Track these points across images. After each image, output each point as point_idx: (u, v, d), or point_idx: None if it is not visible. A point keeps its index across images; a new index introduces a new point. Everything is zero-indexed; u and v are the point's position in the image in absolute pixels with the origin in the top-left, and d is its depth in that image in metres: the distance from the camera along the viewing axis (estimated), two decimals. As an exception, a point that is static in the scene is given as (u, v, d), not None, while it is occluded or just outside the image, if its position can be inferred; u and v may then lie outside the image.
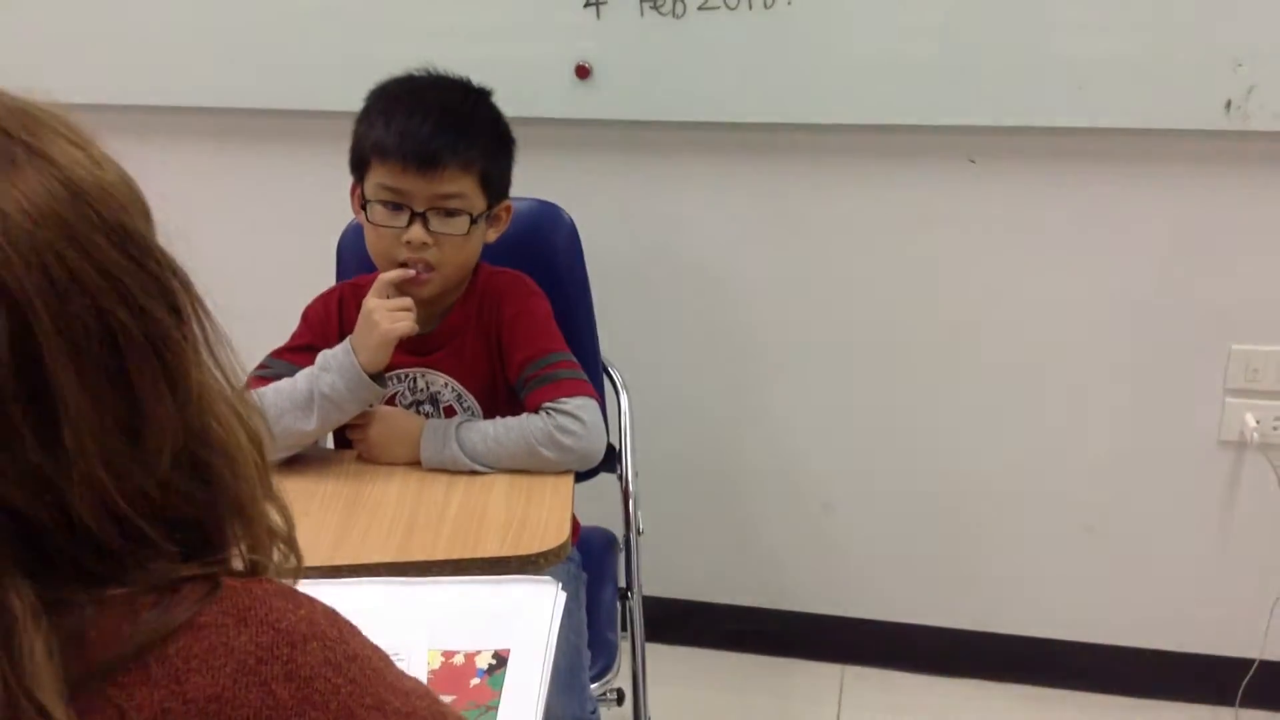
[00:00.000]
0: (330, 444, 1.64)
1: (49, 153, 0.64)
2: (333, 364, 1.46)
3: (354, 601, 1.19)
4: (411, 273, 1.48)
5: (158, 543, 0.66)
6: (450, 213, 1.48)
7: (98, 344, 0.63)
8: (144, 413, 0.65)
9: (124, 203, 0.66)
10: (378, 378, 1.47)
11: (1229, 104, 1.76)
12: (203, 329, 0.69)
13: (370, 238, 1.52)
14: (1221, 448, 1.99)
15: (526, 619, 1.18)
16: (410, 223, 1.47)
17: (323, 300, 1.61)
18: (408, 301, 1.47)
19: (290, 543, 0.76)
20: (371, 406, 1.53)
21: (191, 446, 0.68)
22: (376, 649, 0.72)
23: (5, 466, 0.61)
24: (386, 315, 1.45)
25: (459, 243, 1.49)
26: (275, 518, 0.75)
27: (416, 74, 1.57)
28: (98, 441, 0.63)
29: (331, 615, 0.70)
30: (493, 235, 1.58)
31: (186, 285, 0.69)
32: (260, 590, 0.68)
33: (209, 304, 0.70)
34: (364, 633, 0.72)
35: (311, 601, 0.70)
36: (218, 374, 0.71)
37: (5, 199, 0.61)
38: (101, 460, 0.63)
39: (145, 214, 0.69)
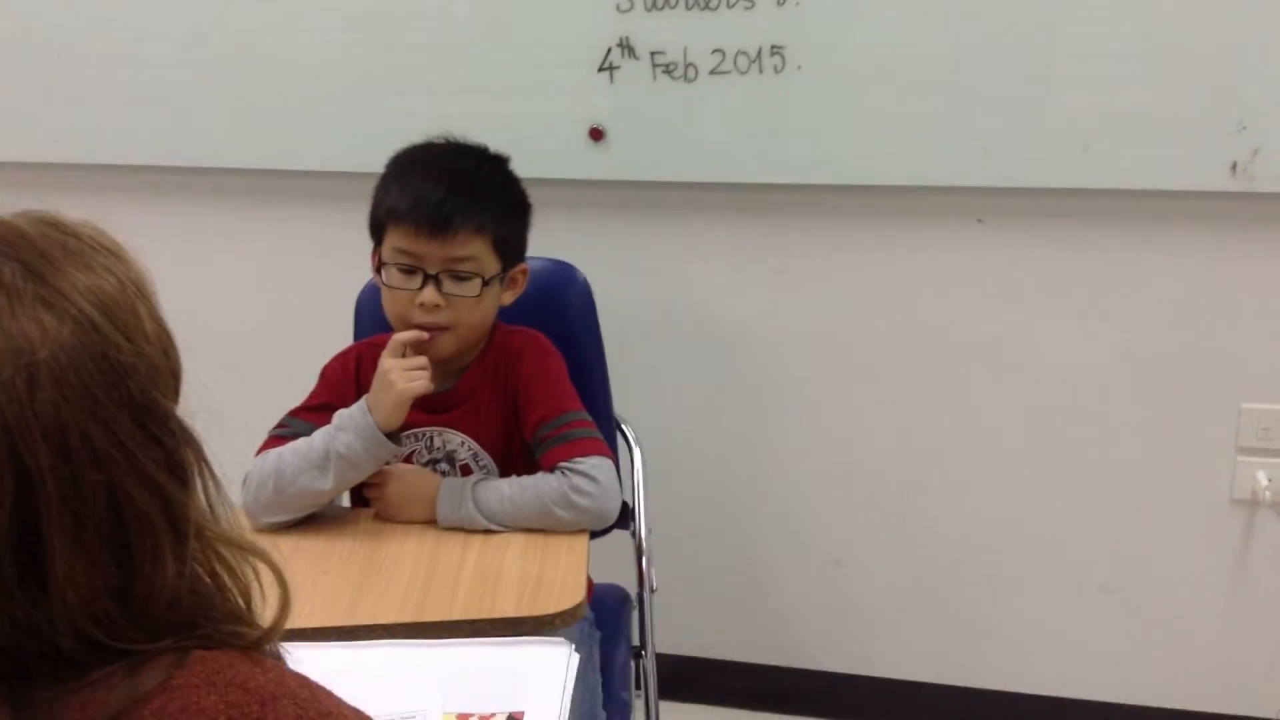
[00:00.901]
0: (347, 502, 1.66)
1: (94, 315, 0.65)
2: (349, 424, 1.48)
3: (369, 663, 1.21)
4: (424, 335, 1.50)
5: (135, 651, 0.67)
6: (463, 275, 1.51)
7: (102, 516, 0.64)
8: (138, 578, 0.66)
9: (157, 376, 0.68)
10: (393, 437, 1.48)
11: (1234, 165, 1.78)
12: (206, 491, 0.71)
13: (386, 300, 1.55)
14: (1234, 506, 1.99)
15: (540, 681, 1.18)
16: (423, 285, 1.50)
17: (341, 359, 1.63)
18: (423, 360, 1.49)
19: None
20: (388, 464, 1.55)
21: (185, 597, 0.69)
22: (355, 710, 0.72)
23: None
24: (402, 375, 1.47)
25: (471, 304, 1.52)
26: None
27: (434, 141, 1.61)
28: (84, 601, 0.64)
29: (301, 678, 0.72)
30: (508, 298, 1.60)
31: (198, 453, 0.71)
32: (227, 657, 0.69)
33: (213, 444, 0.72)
34: (345, 694, 0.73)
35: (279, 666, 0.72)
36: (221, 528, 0.72)
37: (42, 364, 0.62)
38: (86, 614, 0.64)
39: (175, 386, 0.71)
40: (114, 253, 0.69)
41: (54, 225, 0.69)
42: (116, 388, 0.65)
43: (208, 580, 0.71)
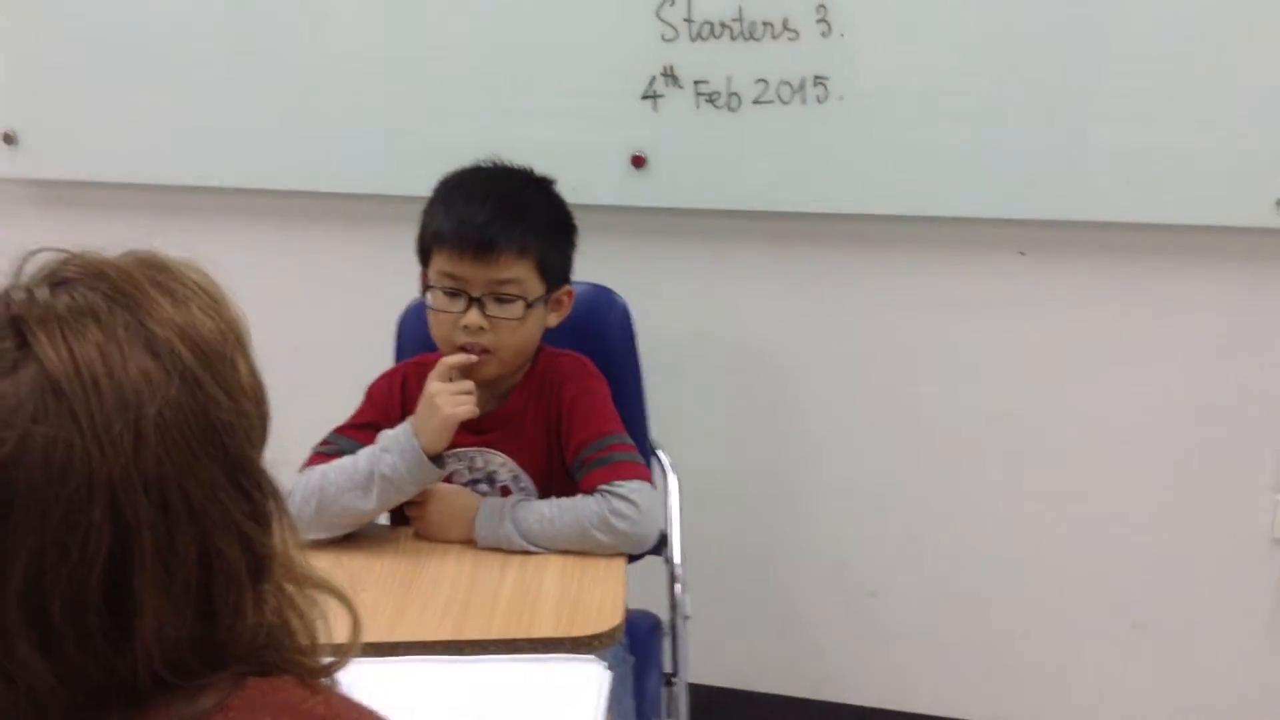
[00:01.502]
0: (387, 520, 1.66)
1: (196, 368, 0.66)
2: (394, 445, 1.48)
3: (406, 680, 1.21)
4: (471, 358, 1.50)
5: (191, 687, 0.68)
6: (506, 298, 1.52)
7: (191, 570, 0.65)
8: (219, 627, 0.68)
9: (251, 431, 0.69)
10: (437, 460, 1.49)
11: (1278, 202, 1.77)
12: (283, 536, 0.72)
13: (431, 322, 1.56)
14: (1273, 545, 1.97)
15: (576, 699, 1.18)
16: (468, 308, 1.51)
17: (387, 379, 1.64)
18: (469, 385, 1.50)
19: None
20: (430, 485, 1.56)
21: (261, 639, 0.71)
22: None
23: (74, 655, 0.63)
24: (449, 399, 1.47)
25: (514, 326, 1.52)
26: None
27: (481, 165, 1.62)
28: (165, 649, 0.65)
29: (350, 702, 0.73)
30: (554, 319, 1.61)
31: (280, 505, 0.72)
32: (280, 682, 0.70)
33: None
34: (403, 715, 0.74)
35: (330, 690, 0.73)
36: (292, 571, 0.74)
37: (148, 422, 0.63)
38: (169, 664, 0.66)
39: (265, 437, 0.72)
40: (214, 297, 0.71)
41: (158, 267, 0.70)
42: (214, 445, 0.66)
43: (277, 622, 0.73)
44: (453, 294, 1.52)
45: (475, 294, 1.51)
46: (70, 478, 0.61)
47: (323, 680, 0.75)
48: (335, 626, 0.78)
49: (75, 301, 0.65)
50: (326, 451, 1.54)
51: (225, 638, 0.68)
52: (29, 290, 0.66)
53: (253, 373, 0.71)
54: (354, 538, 1.52)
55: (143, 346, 0.65)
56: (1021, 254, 1.92)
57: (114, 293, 0.66)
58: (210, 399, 0.66)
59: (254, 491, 0.69)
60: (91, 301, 0.65)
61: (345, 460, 1.50)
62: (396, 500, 1.50)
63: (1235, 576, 2.00)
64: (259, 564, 0.69)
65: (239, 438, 0.68)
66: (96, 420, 0.62)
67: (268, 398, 0.72)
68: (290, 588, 0.73)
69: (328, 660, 0.75)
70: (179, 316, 0.67)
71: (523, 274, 1.52)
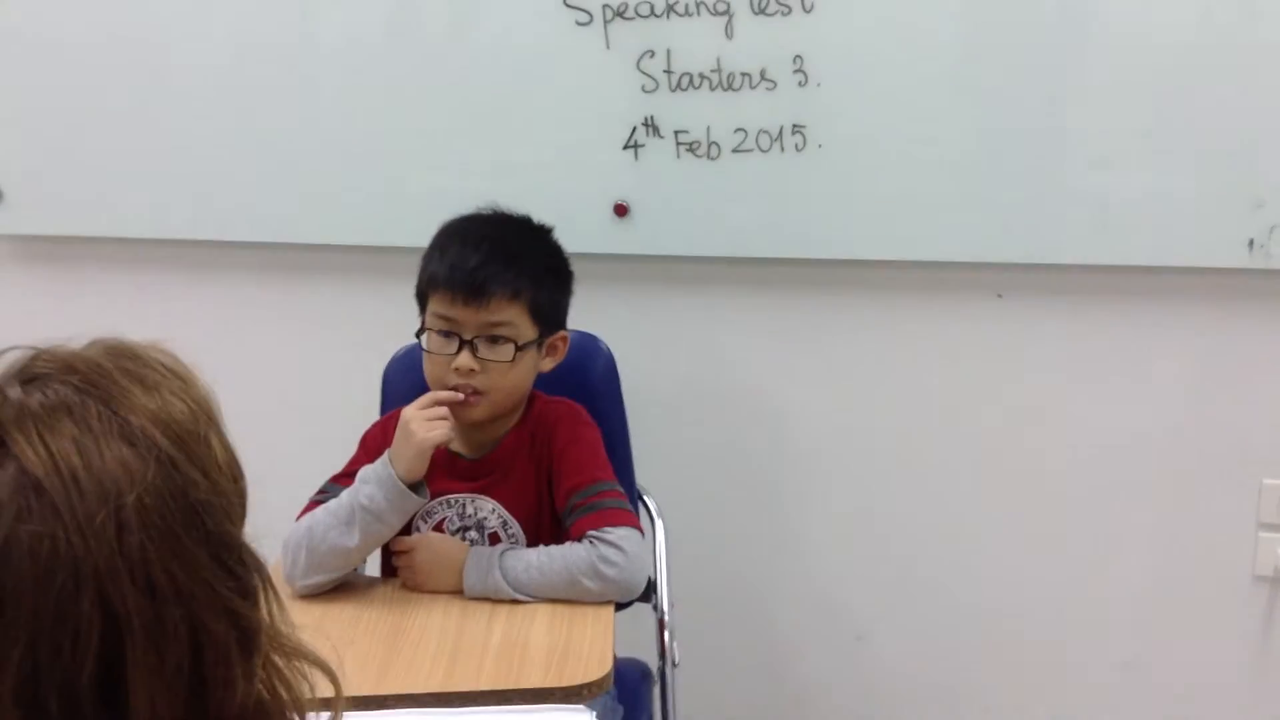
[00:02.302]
0: (377, 571, 1.66)
1: (171, 451, 0.67)
2: (371, 476, 1.49)
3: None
4: (459, 395, 1.51)
5: None
6: (497, 340, 1.53)
7: (183, 650, 0.66)
8: (211, 703, 0.68)
9: (230, 508, 0.70)
10: (417, 488, 1.49)
11: (1251, 242, 1.81)
12: (269, 608, 0.73)
13: (425, 364, 1.57)
14: (1256, 583, 1.99)
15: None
16: (460, 350, 1.52)
17: (381, 425, 1.65)
18: (444, 410, 1.50)
19: None
20: (418, 532, 1.56)
21: (253, 709, 0.71)
22: None
23: None
24: (423, 424, 1.48)
25: (504, 369, 1.53)
26: None
27: (480, 212, 1.64)
28: None
29: None
30: (548, 364, 1.62)
31: (265, 578, 0.73)
32: None
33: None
34: None
35: None
36: (279, 643, 0.74)
37: (129, 510, 0.64)
38: None
39: (243, 509, 0.73)
40: (183, 377, 0.72)
41: (126, 355, 0.71)
42: (196, 525, 0.67)
43: (266, 695, 0.73)
44: (446, 336, 1.54)
45: (467, 336, 1.52)
46: (58, 572, 0.62)
47: None
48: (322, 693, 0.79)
49: (48, 398, 0.65)
50: (320, 499, 1.54)
51: (216, 713, 0.68)
52: (0, 390, 0.67)
53: (226, 448, 0.72)
54: (341, 589, 1.52)
55: (118, 436, 0.65)
56: (999, 296, 1.95)
57: (85, 385, 0.67)
58: (188, 480, 0.67)
59: (238, 567, 0.70)
60: (64, 396, 0.66)
61: (331, 502, 1.51)
62: (380, 533, 1.50)
63: (1220, 615, 2.01)
64: (247, 638, 0.70)
65: (219, 516, 0.68)
66: (79, 513, 0.62)
67: (243, 473, 0.73)
68: (279, 659, 0.74)
69: None
70: (150, 402, 0.68)
71: (514, 317, 1.54)
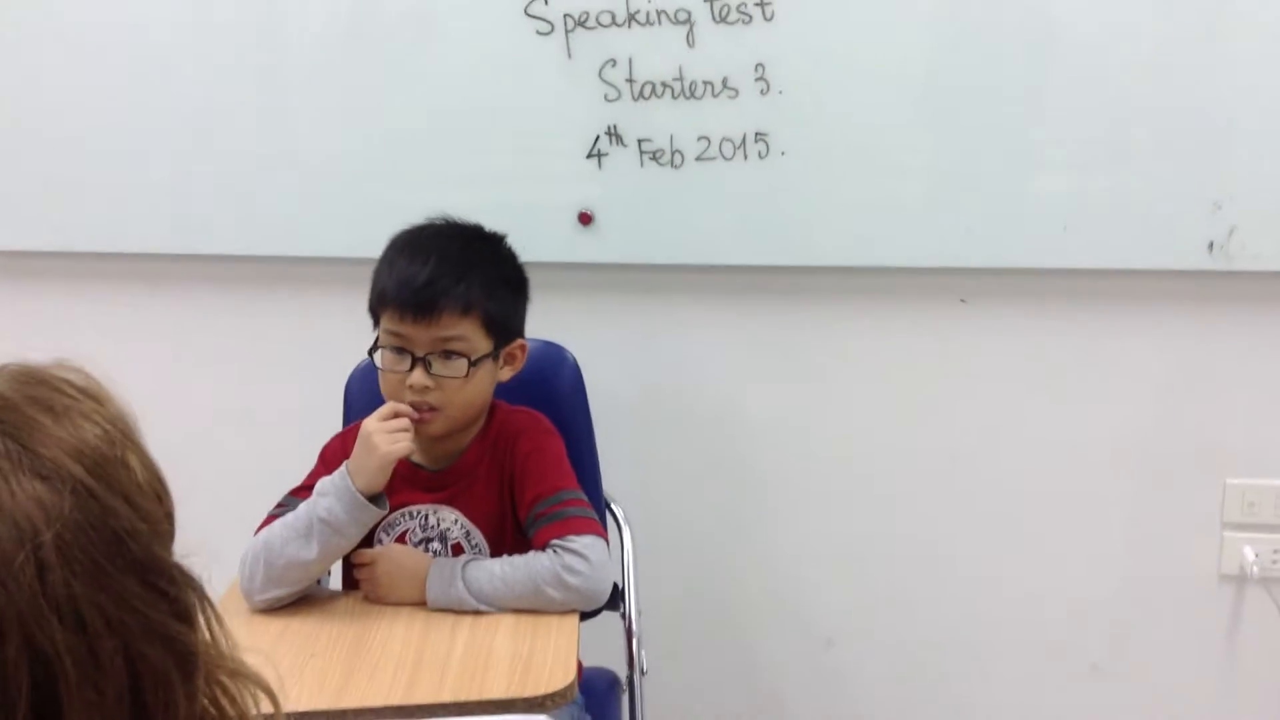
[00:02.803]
0: (339, 585, 1.65)
1: (88, 480, 0.64)
2: (329, 488, 1.48)
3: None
4: (413, 413, 1.50)
5: None
6: (451, 355, 1.52)
7: (120, 680, 0.64)
8: None
9: (156, 530, 0.68)
10: (377, 500, 1.48)
11: (1211, 245, 1.82)
12: (209, 624, 0.72)
13: (380, 381, 1.56)
14: (1222, 582, 2.00)
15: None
16: (413, 367, 1.51)
17: (340, 438, 1.63)
18: (405, 422, 1.49)
19: None
20: (381, 544, 1.55)
21: None
22: None
23: None
24: (385, 437, 1.47)
25: (459, 384, 1.52)
26: None
27: (430, 223, 1.62)
28: None
29: None
30: (507, 374, 1.61)
31: (200, 594, 0.71)
32: None
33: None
34: None
35: None
36: (227, 660, 0.73)
37: (47, 546, 0.61)
38: None
39: (172, 532, 0.71)
40: (95, 396, 0.70)
41: (31, 380, 0.68)
42: (120, 554, 0.65)
43: (213, 712, 0.72)
44: (399, 352, 1.52)
45: (419, 353, 1.51)
46: None
47: None
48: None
49: None
50: (279, 514, 1.52)
51: None
52: None
53: (148, 467, 0.70)
54: (302, 603, 1.51)
55: (29, 472, 0.63)
56: (963, 301, 1.96)
57: None
58: (108, 509, 0.65)
59: (170, 588, 0.68)
60: None
61: (289, 515, 1.50)
62: (339, 546, 1.49)
63: (1186, 614, 2.03)
64: (185, 661, 0.68)
65: (144, 540, 0.66)
66: None
67: (168, 489, 0.71)
68: (222, 676, 0.72)
69: None
70: (61, 430, 0.65)
71: (467, 331, 1.52)
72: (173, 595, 0.68)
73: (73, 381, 0.70)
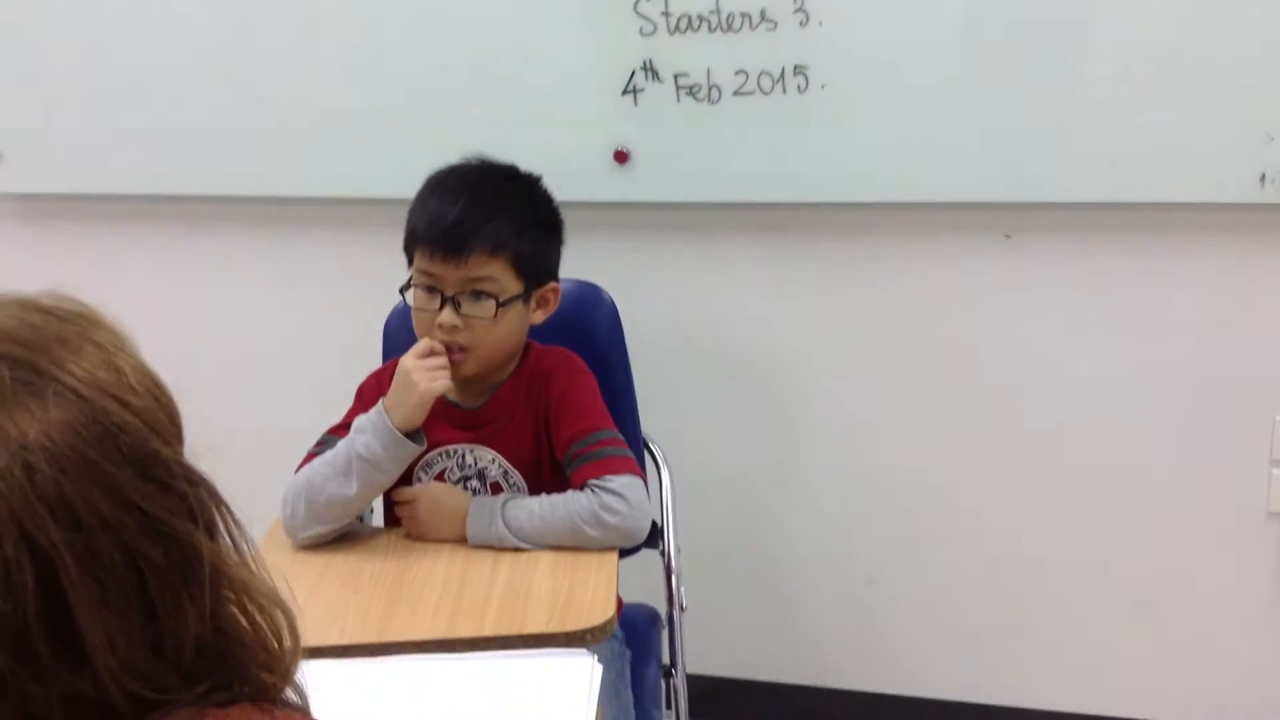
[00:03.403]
0: (380, 522, 1.67)
1: (77, 385, 0.66)
2: (367, 425, 1.49)
3: (396, 679, 1.22)
4: (442, 350, 1.50)
5: (162, 703, 0.68)
6: (480, 295, 1.51)
7: (122, 575, 0.65)
8: (166, 628, 0.68)
9: (153, 426, 0.69)
10: (414, 436, 1.49)
11: (1263, 177, 1.77)
12: (228, 529, 0.72)
13: (413, 319, 1.57)
14: (1270, 519, 1.97)
15: (565, 692, 1.18)
16: (442, 306, 1.51)
17: (375, 377, 1.64)
18: (443, 360, 1.49)
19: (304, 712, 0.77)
20: (420, 481, 1.57)
21: (213, 639, 0.71)
22: None
23: (35, 690, 0.64)
24: (424, 374, 1.47)
25: (488, 326, 1.52)
26: (290, 694, 0.76)
27: (464, 162, 1.61)
28: (121, 659, 0.66)
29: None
30: (540, 317, 1.60)
31: (211, 493, 0.71)
32: (238, 710, 0.70)
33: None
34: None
35: (288, 713, 0.73)
36: (243, 569, 0.73)
37: (34, 450, 0.63)
38: (125, 671, 0.66)
39: (174, 430, 0.72)
40: (84, 317, 0.70)
41: (19, 306, 0.70)
42: (113, 449, 0.66)
43: (244, 622, 0.73)
44: (429, 291, 1.52)
45: (449, 293, 1.51)
46: None
47: (289, 699, 0.75)
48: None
49: None
50: (318, 452, 1.54)
51: (172, 639, 0.68)
52: None
53: (141, 371, 0.70)
54: (344, 539, 1.53)
55: (14, 385, 0.64)
56: (1007, 237, 1.92)
57: None
58: (96, 409, 0.66)
59: (173, 483, 0.68)
60: None
61: (328, 453, 1.51)
62: (379, 483, 1.50)
63: (1233, 552, 2.00)
64: (190, 563, 0.69)
65: (139, 435, 0.67)
66: None
67: (167, 392, 0.72)
68: (241, 594, 0.73)
69: (280, 668, 0.74)
70: (45, 345, 0.67)
71: (496, 272, 1.51)
72: (179, 491, 0.69)
73: (63, 305, 0.71)
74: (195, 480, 0.70)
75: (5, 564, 0.62)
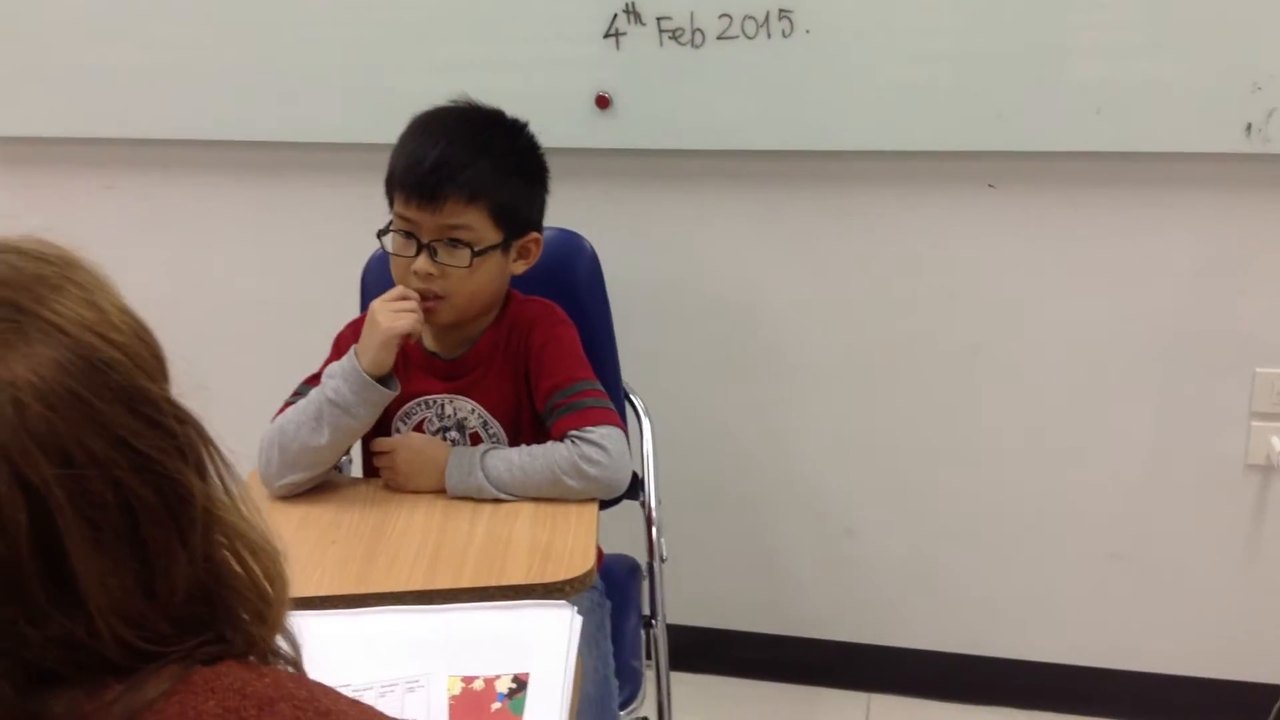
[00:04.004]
0: (359, 473, 1.66)
1: (61, 322, 0.66)
2: (337, 370, 1.48)
3: (375, 630, 1.21)
4: (415, 296, 1.48)
5: (154, 654, 0.68)
6: (456, 243, 1.49)
7: (114, 515, 0.65)
8: (158, 570, 0.68)
9: (138, 363, 0.69)
10: (388, 381, 1.47)
11: (1249, 127, 1.76)
12: (217, 470, 0.72)
13: (390, 265, 1.54)
14: (1248, 472, 1.98)
15: (544, 643, 1.18)
16: (418, 253, 1.48)
17: (352, 326, 1.62)
18: (411, 304, 1.47)
19: (295, 664, 0.77)
20: (399, 432, 1.56)
21: (205, 582, 0.71)
22: (354, 703, 0.73)
23: (30, 633, 0.64)
24: (388, 315, 1.45)
25: (463, 275, 1.49)
26: (281, 643, 0.76)
27: (449, 105, 1.57)
28: (114, 601, 0.66)
29: (298, 678, 0.73)
30: (520, 267, 1.58)
31: (200, 433, 0.71)
32: (225, 667, 0.70)
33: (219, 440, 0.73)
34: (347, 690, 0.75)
35: (276, 671, 0.73)
36: (232, 512, 0.73)
37: (23, 387, 0.63)
38: (118, 615, 0.66)
39: (160, 368, 0.71)
40: (63, 259, 0.70)
41: (3, 250, 0.69)
42: (102, 385, 0.66)
43: (235, 567, 0.73)
44: (406, 237, 1.50)
45: (425, 239, 1.48)
46: None
47: (279, 650, 0.75)
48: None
49: None
50: (294, 402, 1.52)
51: (164, 582, 0.68)
52: None
53: (123, 310, 0.70)
54: (323, 490, 1.52)
55: (7, 329, 0.65)
56: (991, 186, 1.91)
57: None
58: (82, 344, 0.66)
59: (162, 419, 0.68)
60: None
61: (301, 401, 1.50)
62: (351, 428, 1.48)
63: (1210, 504, 2.01)
64: (181, 502, 0.69)
65: (126, 371, 0.67)
66: None
67: (152, 334, 0.72)
68: (238, 531, 0.73)
69: (271, 614, 0.74)
70: (36, 289, 0.67)
71: (473, 220, 1.49)
72: (167, 428, 0.69)
73: (40, 250, 0.70)
74: (184, 418, 0.70)
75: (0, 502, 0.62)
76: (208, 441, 0.72)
